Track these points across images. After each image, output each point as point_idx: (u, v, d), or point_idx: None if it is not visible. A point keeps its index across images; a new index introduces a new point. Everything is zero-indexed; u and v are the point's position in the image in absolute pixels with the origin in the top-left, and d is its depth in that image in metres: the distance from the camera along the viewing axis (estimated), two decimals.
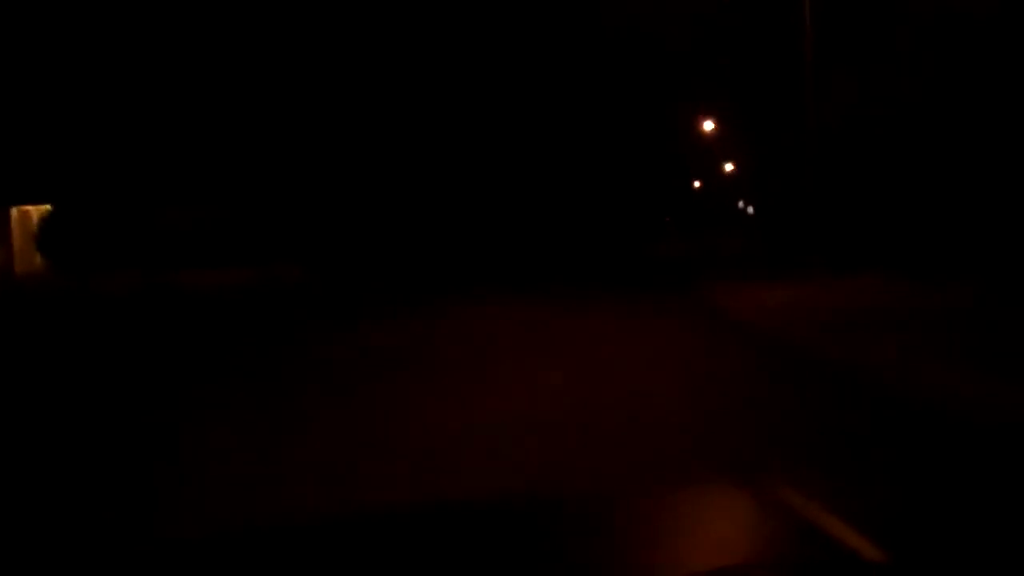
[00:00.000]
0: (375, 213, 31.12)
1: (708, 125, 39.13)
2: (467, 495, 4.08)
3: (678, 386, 7.49)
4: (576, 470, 4.87)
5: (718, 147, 42.73)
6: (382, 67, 30.88)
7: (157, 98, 29.36)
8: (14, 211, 30.38)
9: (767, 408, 6.46)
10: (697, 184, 56.15)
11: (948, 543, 1.52)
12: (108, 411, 7.10)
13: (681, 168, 47.55)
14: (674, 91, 36.86)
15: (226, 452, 5.47)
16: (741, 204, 47.39)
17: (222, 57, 29.45)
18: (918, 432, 5.70)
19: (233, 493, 4.50)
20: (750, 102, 27.13)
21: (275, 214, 30.44)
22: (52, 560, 3.35)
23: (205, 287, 22.37)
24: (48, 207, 30.37)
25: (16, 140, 28.14)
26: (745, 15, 23.67)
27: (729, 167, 46.32)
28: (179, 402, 7.31)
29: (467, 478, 4.67)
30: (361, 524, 1.88)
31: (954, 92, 15.41)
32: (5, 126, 27.97)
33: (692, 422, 6.12)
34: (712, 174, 50.07)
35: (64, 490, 4.85)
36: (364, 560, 1.59)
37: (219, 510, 4.24)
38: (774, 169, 25.35)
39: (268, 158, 30.14)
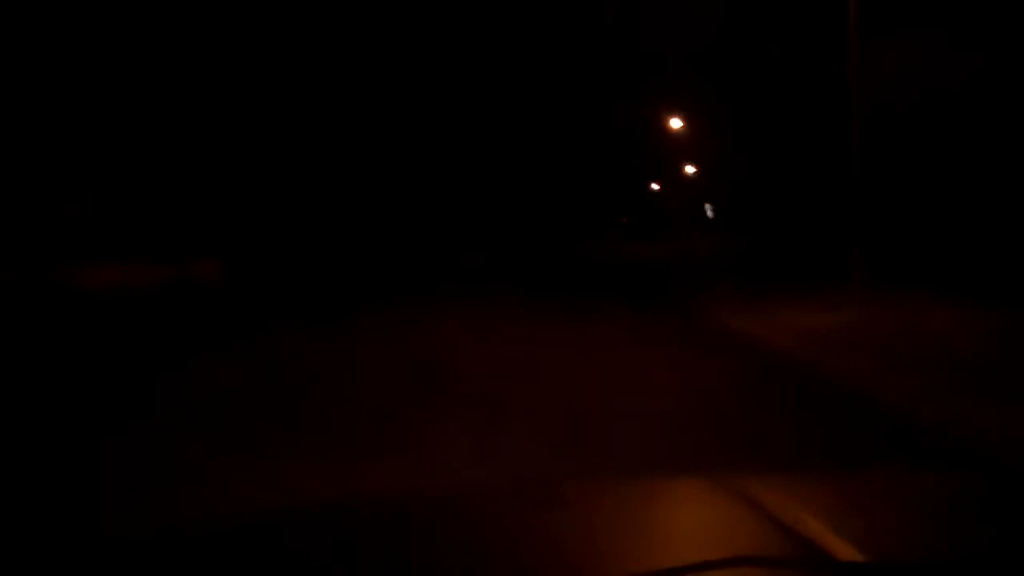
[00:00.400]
0: (302, 205, 28.06)
1: (675, 123, 36.51)
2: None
3: None
4: None
5: (682, 147, 40.42)
6: (306, 54, 27.98)
7: (57, 77, 25.92)
8: None
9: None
10: (656, 186, 54.06)
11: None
12: None
13: (642, 168, 45.43)
14: (639, 86, 34.58)
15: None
16: (707, 207, 45.25)
17: (131, 34, 26.30)
18: None
19: None
20: (735, 95, 24.53)
21: (194, 204, 27.09)
22: None
23: (105, 286, 20.18)
24: None
25: None
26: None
27: (691, 169, 44.08)
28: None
29: None
30: (344, 512, 1.81)
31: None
32: None
33: None
34: (673, 175, 47.99)
35: None
36: (350, 547, 1.54)
37: None
38: (768, 167, 22.72)
39: (187, 144, 27.03)
